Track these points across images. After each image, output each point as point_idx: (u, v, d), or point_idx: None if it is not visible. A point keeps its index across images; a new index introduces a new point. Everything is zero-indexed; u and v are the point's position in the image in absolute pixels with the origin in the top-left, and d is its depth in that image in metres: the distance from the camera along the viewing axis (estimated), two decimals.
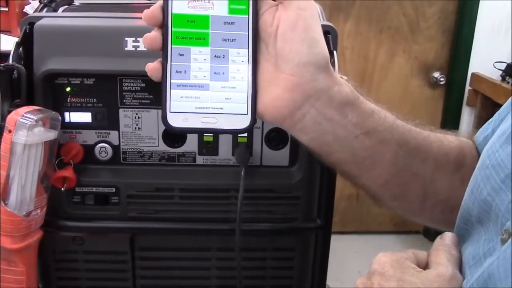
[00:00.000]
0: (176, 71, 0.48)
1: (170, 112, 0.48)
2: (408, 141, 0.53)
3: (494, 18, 2.07)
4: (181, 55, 0.48)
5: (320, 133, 0.50)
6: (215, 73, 0.48)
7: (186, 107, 0.48)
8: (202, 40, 0.48)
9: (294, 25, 0.47)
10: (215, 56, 0.48)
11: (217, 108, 0.48)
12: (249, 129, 0.49)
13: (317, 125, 0.49)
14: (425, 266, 0.45)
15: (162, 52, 0.48)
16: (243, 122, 0.48)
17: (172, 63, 0.48)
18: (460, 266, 0.44)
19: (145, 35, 0.48)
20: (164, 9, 0.47)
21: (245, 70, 0.48)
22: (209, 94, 0.48)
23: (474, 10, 2.06)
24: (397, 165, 0.53)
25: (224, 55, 0.48)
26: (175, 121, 0.48)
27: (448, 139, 0.56)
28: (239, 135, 0.82)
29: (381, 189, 0.55)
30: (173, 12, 0.48)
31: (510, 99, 0.50)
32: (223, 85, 0.48)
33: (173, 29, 0.48)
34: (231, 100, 0.48)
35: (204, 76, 0.48)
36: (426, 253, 0.46)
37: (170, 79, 0.48)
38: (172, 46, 0.48)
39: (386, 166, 0.52)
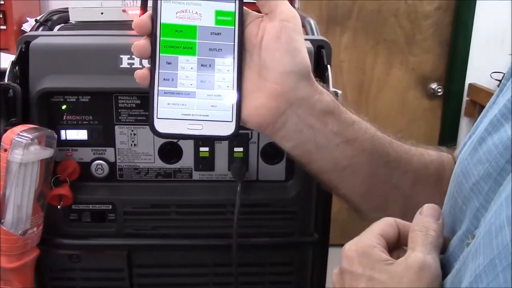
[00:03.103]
0: (164, 79, 0.49)
1: (157, 118, 0.49)
2: (389, 152, 0.54)
3: (489, 29, 2.09)
4: (169, 63, 0.49)
5: (302, 141, 0.52)
6: (201, 81, 0.50)
7: (172, 114, 0.49)
8: (189, 50, 0.50)
9: (278, 36, 0.49)
10: (202, 65, 0.50)
11: (202, 115, 0.50)
12: (234, 136, 0.51)
13: (299, 133, 0.51)
14: (396, 243, 0.42)
15: (151, 60, 0.49)
16: (228, 129, 0.50)
17: (160, 71, 0.49)
18: (440, 246, 0.41)
19: (134, 43, 0.49)
20: (153, 18, 0.49)
21: (231, 78, 0.50)
22: (195, 102, 0.50)
23: (469, 21, 2.08)
24: (377, 176, 0.54)
25: (210, 64, 0.50)
26: (162, 127, 0.49)
27: (428, 153, 0.57)
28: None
29: (361, 200, 0.56)
30: (161, 22, 0.49)
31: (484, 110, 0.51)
32: (209, 93, 0.50)
33: (161, 38, 0.49)
34: (216, 107, 0.50)
35: (191, 84, 0.50)
36: (395, 227, 0.43)
37: (158, 86, 0.49)
38: (160, 54, 0.49)
39: (366, 176, 0.54)
